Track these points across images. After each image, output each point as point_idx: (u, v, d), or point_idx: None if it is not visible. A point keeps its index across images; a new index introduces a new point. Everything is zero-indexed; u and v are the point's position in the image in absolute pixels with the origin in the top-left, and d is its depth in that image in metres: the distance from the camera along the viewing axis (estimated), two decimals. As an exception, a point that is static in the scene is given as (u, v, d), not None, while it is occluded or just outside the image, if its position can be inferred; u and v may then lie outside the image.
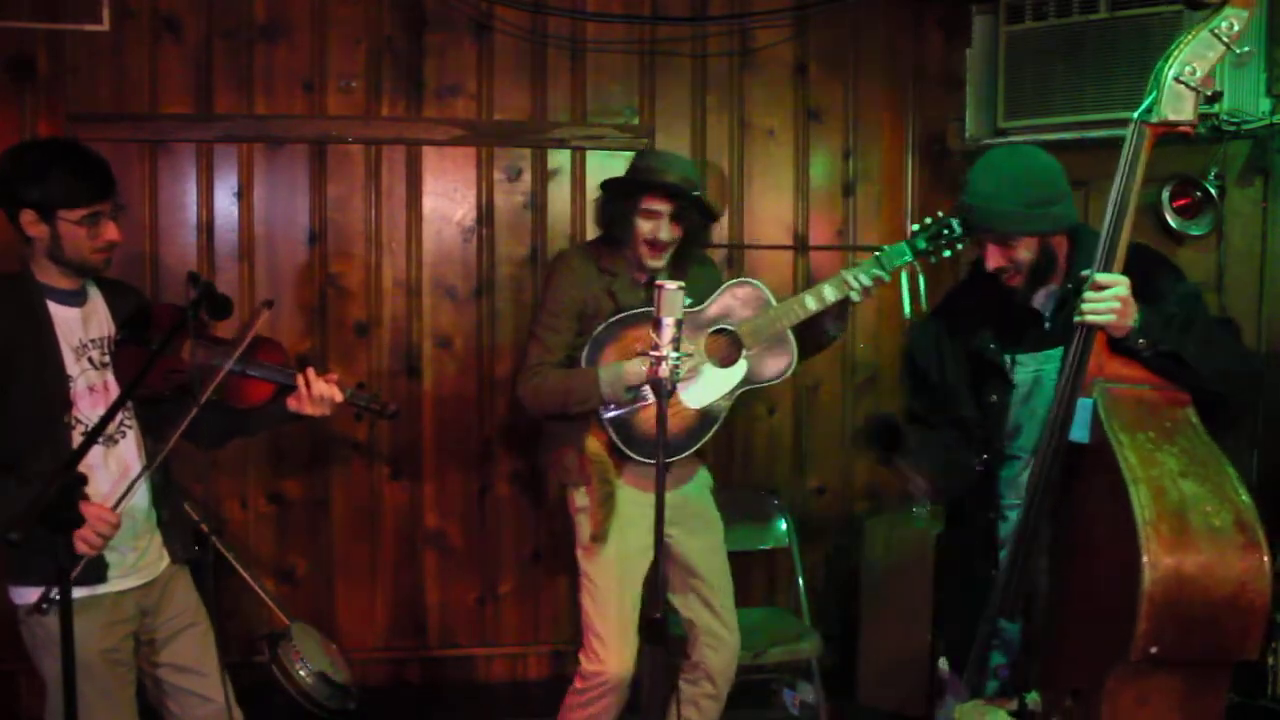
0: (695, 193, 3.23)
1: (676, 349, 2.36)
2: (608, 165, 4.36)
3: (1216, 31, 2.24)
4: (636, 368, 3.09)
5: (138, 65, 4.11)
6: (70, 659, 2.26)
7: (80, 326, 2.70)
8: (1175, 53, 2.28)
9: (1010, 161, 2.59)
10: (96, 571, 2.62)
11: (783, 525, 4.27)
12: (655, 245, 3.21)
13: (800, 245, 4.57)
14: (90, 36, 4.06)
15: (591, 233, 4.26)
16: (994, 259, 2.55)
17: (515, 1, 4.29)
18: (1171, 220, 4.10)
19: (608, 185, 3.33)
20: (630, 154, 4.32)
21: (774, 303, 3.24)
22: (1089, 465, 2.31)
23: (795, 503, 4.44)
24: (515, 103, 4.34)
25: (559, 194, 4.38)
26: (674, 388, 2.41)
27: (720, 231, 4.46)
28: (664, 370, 2.35)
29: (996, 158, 2.62)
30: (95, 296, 2.76)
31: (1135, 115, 2.33)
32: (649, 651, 2.74)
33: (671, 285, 2.32)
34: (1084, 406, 2.31)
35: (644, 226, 3.19)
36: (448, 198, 4.33)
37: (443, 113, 4.29)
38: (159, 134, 4.11)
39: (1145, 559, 2.04)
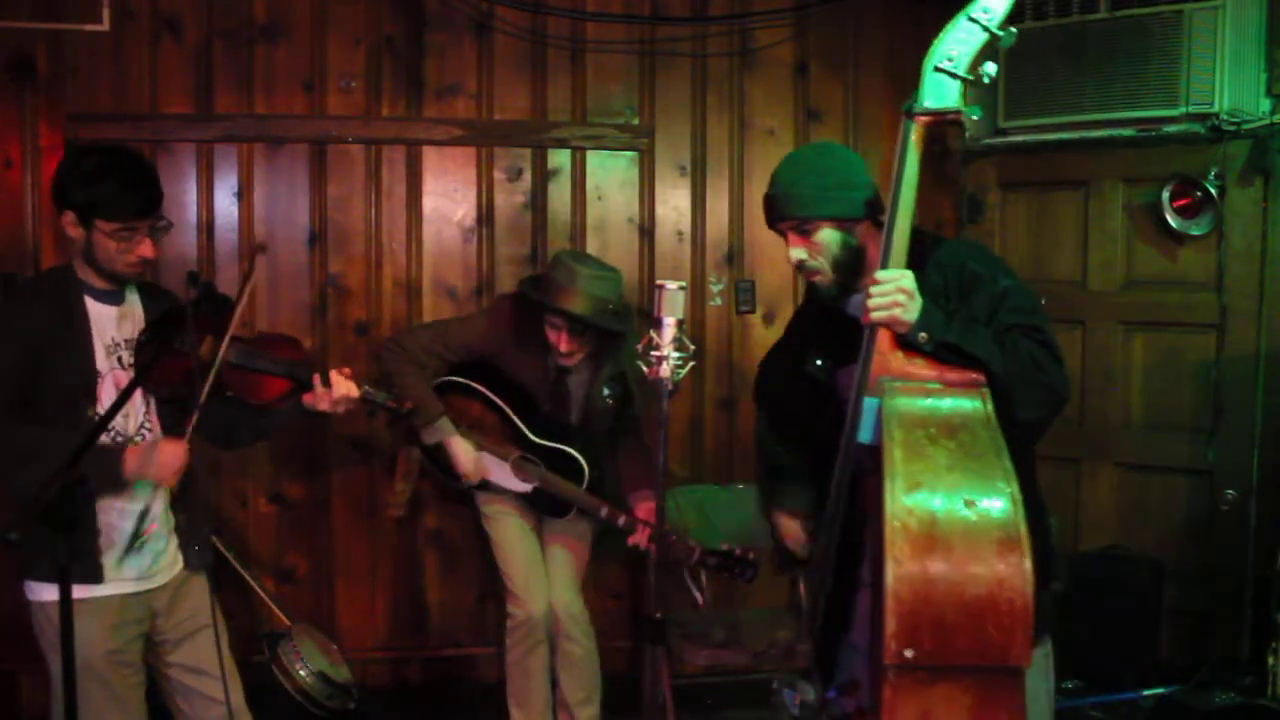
0: (594, 318, 3.42)
1: (679, 349, 2.38)
2: (608, 165, 4.40)
3: (974, 17, 2.14)
4: (460, 451, 3.61)
5: (138, 65, 4.11)
6: (70, 657, 2.25)
7: (114, 325, 2.73)
8: (936, 42, 2.21)
9: (810, 151, 2.64)
10: (94, 572, 2.62)
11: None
12: (559, 352, 3.53)
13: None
14: (90, 37, 4.06)
15: (592, 233, 4.40)
16: (795, 249, 2.48)
17: (515, 1, 4.29)
18: (1172, 220, 4.11)
19: (526, 292, 3.56)
20: (631, 154, 4.40)
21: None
22: (874, 467, 2.16)
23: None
24: (515, 102, 4.35)
25: (559, 194, 4.39)
26: (675, 388, 2.43)
27: (721, 232, 4.47)
28: (664, 370, 2.37)
29: (798, 151, 2.64)
30: (133, 298, 2.79)
31: (903, 108, 2.27)
32: (649, 651, 2.77)
33: (672, 285, 2.36)
34: (869, 407, 2.19)
35: (550, 332, 3.52)
36: (448, 198, 4.33)
37: (443, 113, 4.30)
38: (159, 134, 4.12)
39: (888, 555, 1.92)
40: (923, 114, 2.21)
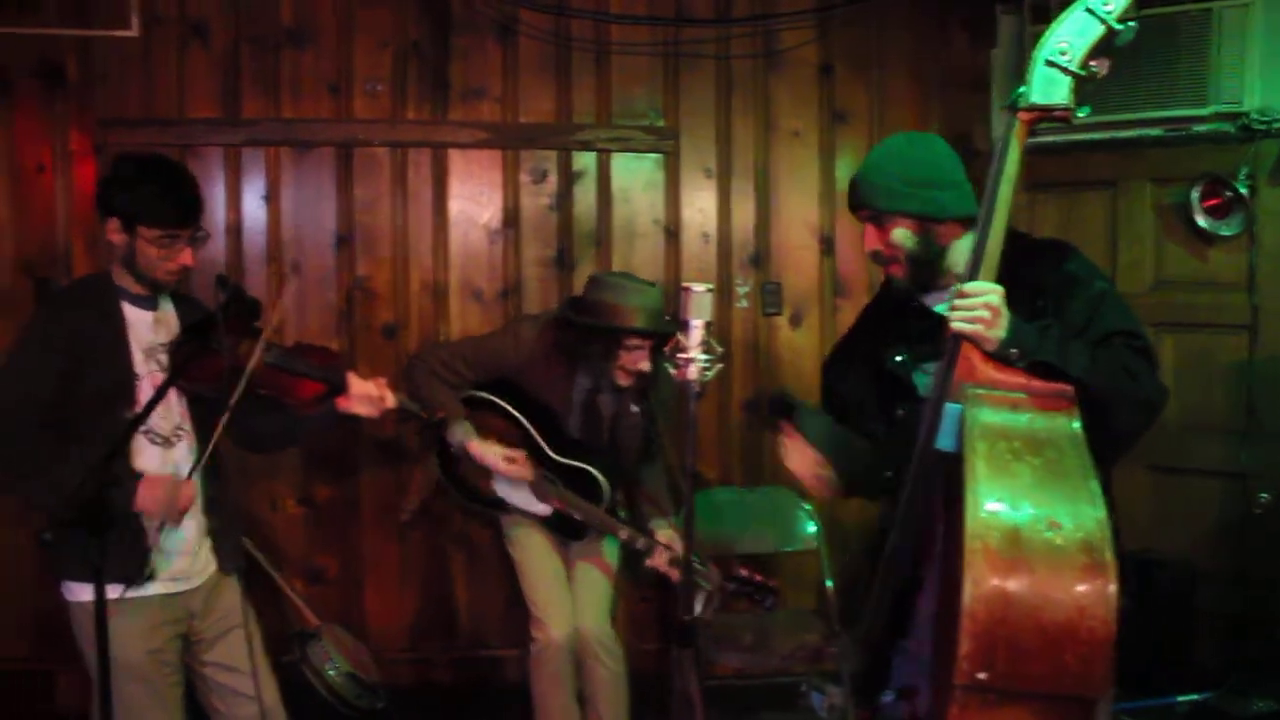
0: (666, 329, 3.32)
1: (706, 351, 2.36)
2: (633, 167, 4.40)
3: (1092, 8, 2.04)
4: (486, 451, 3.52)
5: (166, 70, 4.15)
6: (105, 655, 2.31)
7: (151, 330, 2.78)
8: (1047, 34, 2.10)
9: (903, 142, 2.49)
10: (136, 573, 2.66)
11: (810, 527, 4.25)
12: (633, 372, 3.46)
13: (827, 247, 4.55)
14: (120, 43, 4.11)
15: (618, 236, 4.41)
16: (869, 240, 2.41)
17: (539, 4, 4.29)
18: (1201, 221, 4.08)
19: (574, 318, 3.47)
20: (656, 156, 4.39)
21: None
22: (955, 476, 2.08)
23: (822, 504, 4.36)
24: (540, 105, 4.35)
25: (584, 196, 4.40)
26: (702, 390, 2.40)
27: (747, 234, 4.47)
28: (692, 373, 2.35)
29: (892, 139, 2.52)
30: (167, 305, 2.85)
31: (1004, 103, 2.18)
32: (678, 653, 2.75)
33: (699, 287, 2.34)
34: (951, 413, 2.10)
35: (625, 356, 3.43)
36: (474, 200, 4.34)
37: (468, 115, 4.31)
38: (187, 138, 4.15)
39: (966, 574, 1.84)
40: (1028, 109, 2.11)
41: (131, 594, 2.63)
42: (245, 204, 4.23)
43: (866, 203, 2.39)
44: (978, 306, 2.10)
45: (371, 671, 4.02)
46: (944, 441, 2.13)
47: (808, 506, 4.28)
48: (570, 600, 3.63)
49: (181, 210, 2.68)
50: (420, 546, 4.39)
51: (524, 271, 4.37)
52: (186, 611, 2.81)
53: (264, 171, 4.24)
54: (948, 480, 2.11)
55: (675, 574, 3.40)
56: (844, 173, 4.51)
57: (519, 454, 3.53)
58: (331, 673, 3.87)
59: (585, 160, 4.39)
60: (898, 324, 2.50)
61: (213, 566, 2.87)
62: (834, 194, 4.51)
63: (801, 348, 4.49)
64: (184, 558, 2.78)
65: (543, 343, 3.56)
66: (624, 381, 3.50)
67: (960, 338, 2.14)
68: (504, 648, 4.41)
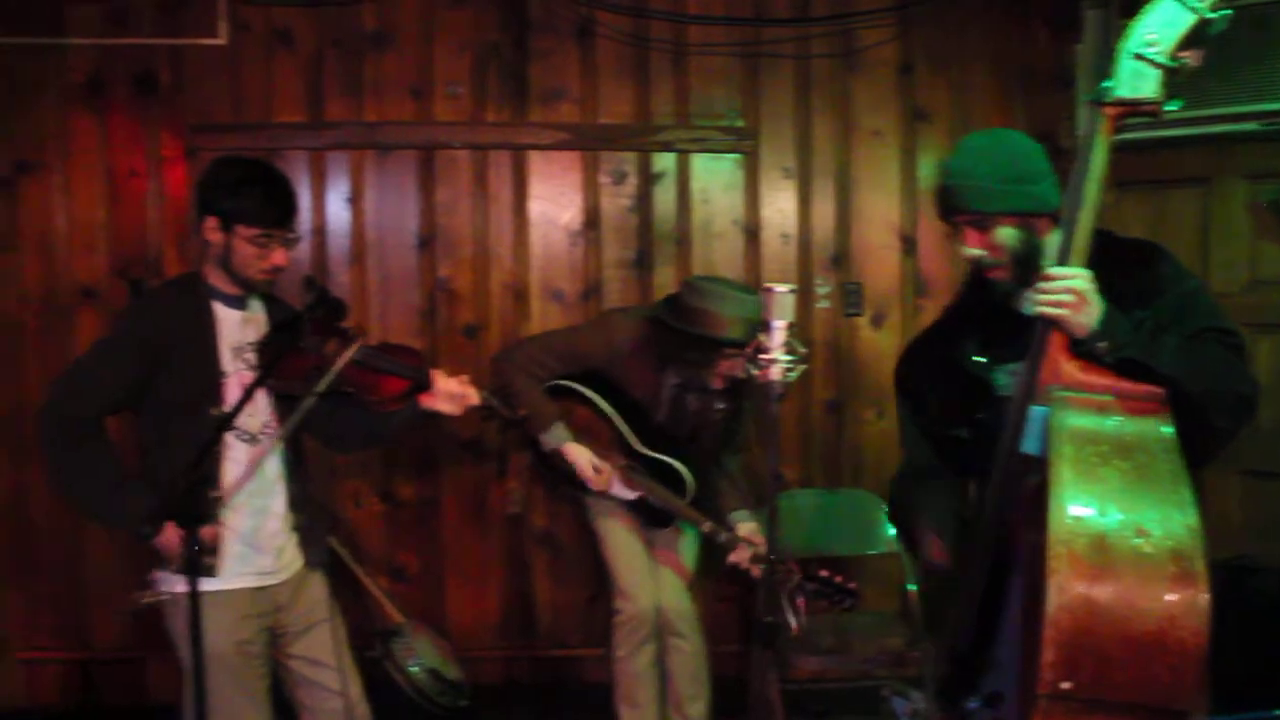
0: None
1: (789, 352, 2.36)
2: (713, 168, 4.38)
3: None
4: (579, 456, 3.57)
5: (253, 76, 4.24)
6: (199, 645, 2.34)
7: (239, 329, 2.83)
8: (1133, 25, 2.02)
9: (986, 140, 2.41)
10: (208, 569, 2.69)
11: (892, 530, 4.17)
12: (726, 377, 3.48)
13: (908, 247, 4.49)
14: (209, 50, 4.22)
15: (697, 236, 4.40)
16: (972, 242, 2.33)
17: (617, 6, 4.30)
18: (1294, 216, 3.96)
19: (671, 322, 3.46)
20: (735, 156, 4.37)
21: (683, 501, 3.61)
22: (1035, 479, 2.05)
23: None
24: (619, 106, 4.36)
25: (664, 197, 4.39)
26: (784, 392, 2.39)
27: (827, 234, 4.43)
28: (774, 374, 2.35)
29: (972, 139, 2.44)
30: (256, 305, 2.89)
31: (1088, 97, 2.10)
32: (758, 654, 2.81)
33: (782, 288, 2.34)
34: (1036, 416, 2.06)
35: (724, 363, 3.44)
36: (554, 201, 4.37)
37: (547, 117, 4.33)
38: (273, 142, 4.23)
39: (1050, 581, 1.81)
40: (1114, 104, 2.05)
41: (221, 587, 2.69)
42: (329, 206, 4.30)
43: (966, 207, 2.33)
44: (1062, 290, 2.07)
45: (454, 668, 4.05)
46: (1029, 445, 2.09)
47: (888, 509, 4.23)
48: (653, 577, 3.65)
49: (278, 211, 2.75)
50: (501, 544, 4.42)
51: (604, 272, 4.38)
52: (273, 605, 2.86)
53: (347, 174, 4.30)
54: (1031, 485, 2.06)
55: (756, 570, 3.39)
56: (925, 172, 4.46)
57: (605, 467, 3.60)
58: (414, 669, 3.91)
59: (665, 161, 4.38)
60: (979, 324, 2.46)
61: (299, 562, 2.91)
62: (915, 193, 4.46)
63: (883, 349, 4.44)
64: (272, 553, 2.84)
65: (634, 340, 3.57)
66: (718, 385, 3.52)
67: (1047, 330, 2.10)
68: (584, 647, 4.43)
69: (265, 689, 2.86)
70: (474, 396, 2.87)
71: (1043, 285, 2.10)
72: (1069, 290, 2.06)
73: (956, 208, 2.34)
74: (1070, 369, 2.09)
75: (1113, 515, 1.86)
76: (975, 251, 2.33)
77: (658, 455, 3.62)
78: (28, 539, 4.29)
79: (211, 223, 2.73)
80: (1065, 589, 1.80)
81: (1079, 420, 2.01)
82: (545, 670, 4.46)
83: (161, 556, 2.69)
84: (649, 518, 3.69)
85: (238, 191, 2.71)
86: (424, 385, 2.85)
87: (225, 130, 4.20)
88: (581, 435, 3.67)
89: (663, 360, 3.54)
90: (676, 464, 3.61)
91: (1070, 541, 1.84)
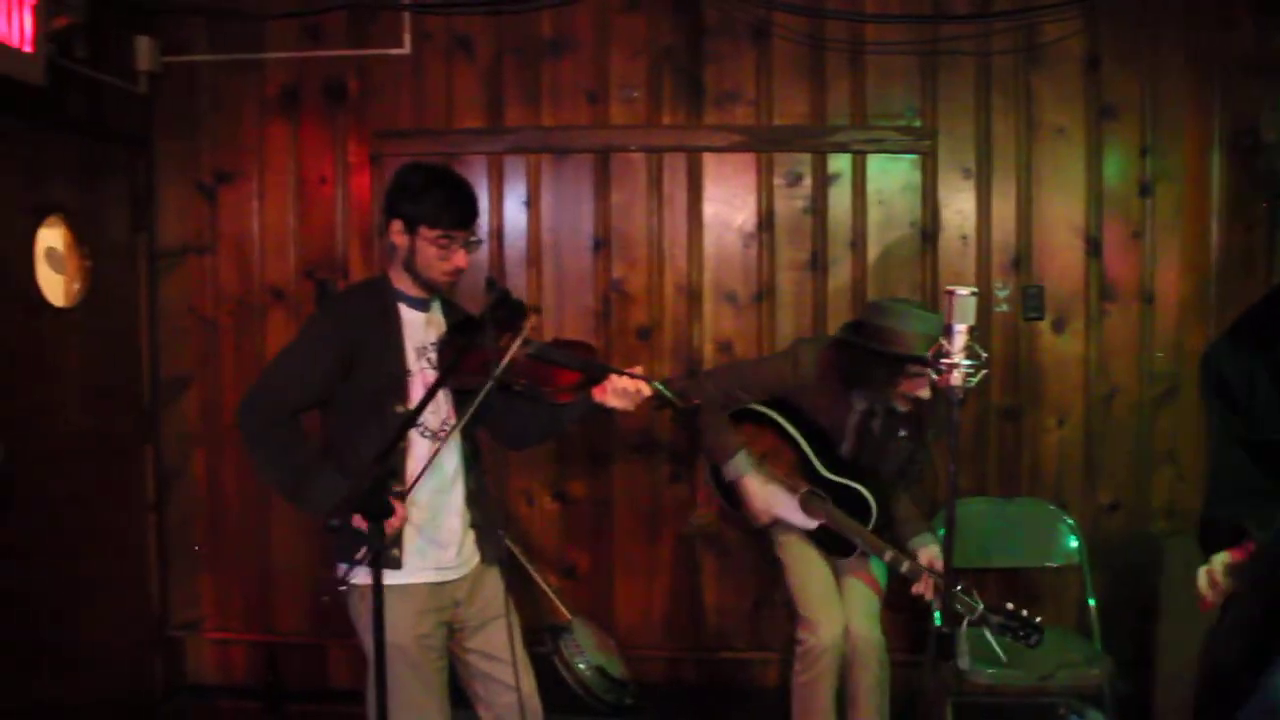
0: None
1: (970, 357, 2.34)
2: (889, 168, 4.30)
3: None
4: (753, 493, 3.56)
5: (435, 84, 4.35)
6: (381, 635, 2.39)
7: (423, 330, 2.90)
8: None
9: None
10: (391, 561, 2.77)
11: (1072, 542, 4.07)
12: (913, 398, 3.42)
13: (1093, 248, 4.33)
14: (393, 60, 4.35)
15: (874, 238, 4.32)
16: None
17: (793, 6, 4.26)
18: None
19: (858, 342, 3.42)
20: (913, 156, 4.29)
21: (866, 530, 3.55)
22: None
23: (1086, 519, 4.23)
24: (794, 107, 4.32)
25: (839, 199, 4.33)
26: (963, 397, 2.38)
27: (1007, 236, 4.31)
28: (955, 379, 2.34)
29: None
30: (437, 307, 2.97)
31: None
32: (932, 665, 2.71)
33: (964, 291, 2.33)
34: None
35: (907, 382, 3.39)
36: (728, 204, 4.35)
37: (722, 119, 4.32)
38: (455, 147, 4.33)
39: None
40: None
41: (403, 581, 2.75)
42: (507, 209, 4.38)
43: None
44: None
45: (620, 667, 4.07)
46: None
47: (1070, 520, 4.11)
48: (839, 603, 3.57)
49: (460, 214, 2.81)
50: (670, 545, 4.42)
51: (778, 275, 4.34)
52: (452, 600, 2.92)
53: (525, 178, 4.37)
54: None
55: (939, 600, 3.35)
56: (1113, 170, 4.29)
57: (779, 502, 3.59)
58: (582, 666, 3.95)
59: (840, 162, 4.32)
60: None
61: (476, 558, 2.97)
62: (1101, 193, 4.28)
63: (1065, 355, 4.29)
64: (451, 549, 2.89)
65: (821, 365, 3.55)
66: (902, 407, 3.47)
67: None
68: (751, 650, 4.40)
69: (443, 681, 2.92)
70: (646, 389, 2.85)
71: None
72: None
73: None
74: None
75: None
76: None
77: (842, 480, 3.58)
78: (222, 527, 4.49)
79: (396, 226, 2.81)
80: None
81: None
82: (710, 672, 4.44)
83: (344, 548, 2.72)
84: (830, 545, 3.64)
85: (421, 196, 2.78)
86: (597, 377, 2.85)
87: (408, 136, 4.32)
88: (766, 460, 3.65)
89: (848, 384, 3.51)
90: (862, 489, 3.56)
91: None
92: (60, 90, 3.72)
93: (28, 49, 3.37)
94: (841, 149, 4.30)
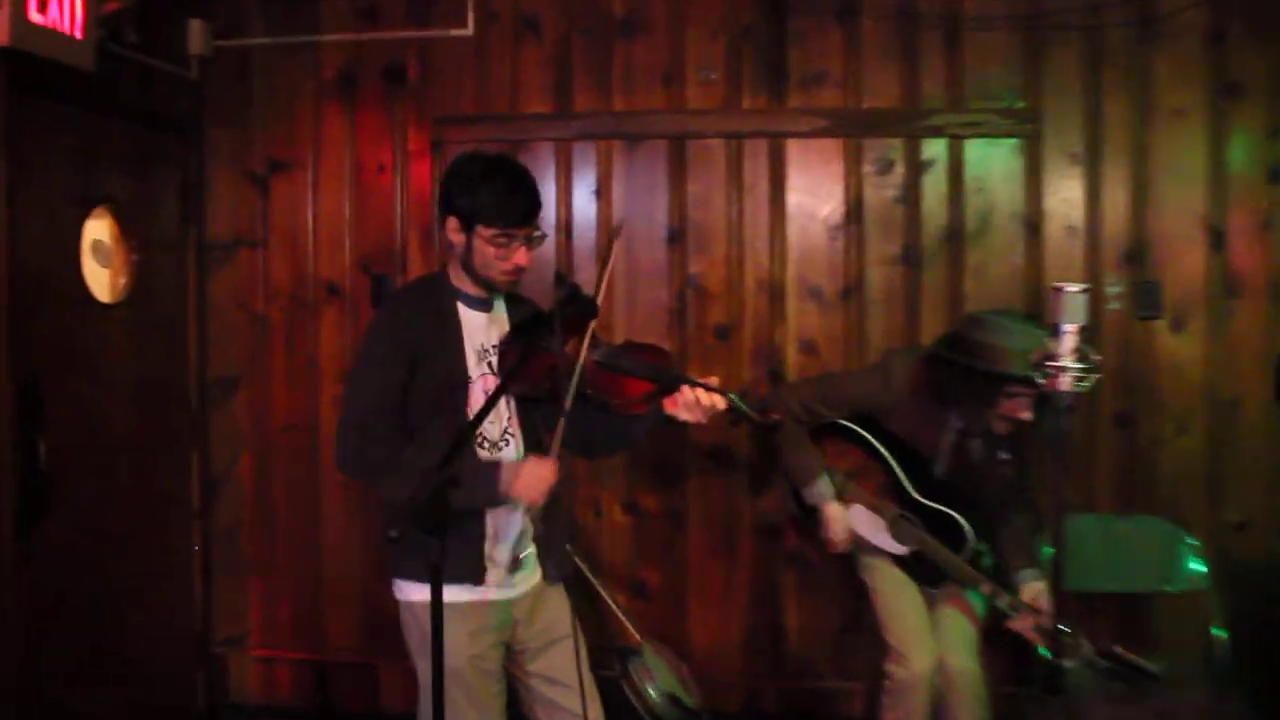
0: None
1: (1080, 359, 2.24)
2: (988, 154, 4.01)
3: None
4: (835, 521, 3.39)
5: (500, 67, 4.18)
6: (439, 654, 2.28)
7: (484, 331, 2.77)
8: None
9: None
10: (473, 574, 2.68)
11: (1195, 565, 3.73)
12: (1012, 419, 3.22)
13: (1217, 241, 3.96)
14: (456, 42, 4.17)
15: (972, 229, 4.03)
16: None
17: (884, -19, 4.00)
18: None
19: (963, 361, 3.20)
20: (1014, 141, 3.99)
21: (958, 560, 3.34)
22: None
23: (1210, 538, 3.85)
24: (885, 89, 4.04)
25: (934, 187, 4.04)
26: (1072, 404, 2.26)
27: (1120, 226, 3.98)
28: (1064, 383, 2.23)
29: None
30: (500, 306, 2.84)
31: None
32: (1041, 701, 2.81)
33: (1073, 287, 2.25)
34: None
35: (1006, 403, 3.18)
36: (813, 193, 4.08)
37: (806, 103, 4.06)
38: (520, 133, 4.15)
39: None
40: None
41: (458, 599, 2.61)
42: (576, 199, 4.17)
43: None
44: None
45: (694, 693, 3.86)
46: None
47: (1192, 541, 3.75)
48: (932, 634, 3.34)
49: (519, 210, 2.66)
50: (749, 563, 4.16)
51: (866, 270, 4.06)
52: (510, 619, 2.79)
53: (594, 166, 4.16)
54: None
55: (1040, 641, 3.16)
56: (1238, 154, 3.93)
57: (841, 541, 3.43)
58: (652, 693, 3.76)
59: (935, 148, 4.02)
60: None
61: (538, 575, 2.84)
62: (1225, 179, 3.93)
63: (1185, 356, 3.95)
64: (509, 564, 2.77)
65: (914, 380, 3.35)
66: (1001, 429, 3.25)
67: None
68: (837, 679, 4.12)
69: (500, 706, 2.81)
70: (721, 403, 2.67)
71: None
72: None
73: None
74: None
75: None
76: None
77: (936, 505, 3.36)
78: (270, 537, 4.34)
79: (452, 223, 2.68)
80: None
81: None
82: (791, 702, 4.16)
83: (403, 562, 2.71)
84: (921, 574, 3.42)
85: (478, 189, 2.64)
86: (669, 388, 2.69)
87: (471, 122, 4.15)
88: (851, 479, 3.49)
89: (943, 402, 3.30)
90: (957, 516, 3.32)
91: None
92: (110, 76, 3.60)
93: (78, 34, 3.27)
94: (936, 133, 4.01)
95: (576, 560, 3.84)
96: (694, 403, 2.66)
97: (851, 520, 3.43)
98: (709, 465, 4.15)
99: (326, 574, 4.29)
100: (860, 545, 3.47)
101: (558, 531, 2.89)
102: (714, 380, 2.72)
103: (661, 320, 4.13)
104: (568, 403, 2.56)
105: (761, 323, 4.11)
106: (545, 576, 2.84)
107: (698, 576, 4.18)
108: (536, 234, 2.70)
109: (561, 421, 2.59)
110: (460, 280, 2.75)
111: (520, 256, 2.67)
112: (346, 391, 2.75)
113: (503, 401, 2.73)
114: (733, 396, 2.68)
